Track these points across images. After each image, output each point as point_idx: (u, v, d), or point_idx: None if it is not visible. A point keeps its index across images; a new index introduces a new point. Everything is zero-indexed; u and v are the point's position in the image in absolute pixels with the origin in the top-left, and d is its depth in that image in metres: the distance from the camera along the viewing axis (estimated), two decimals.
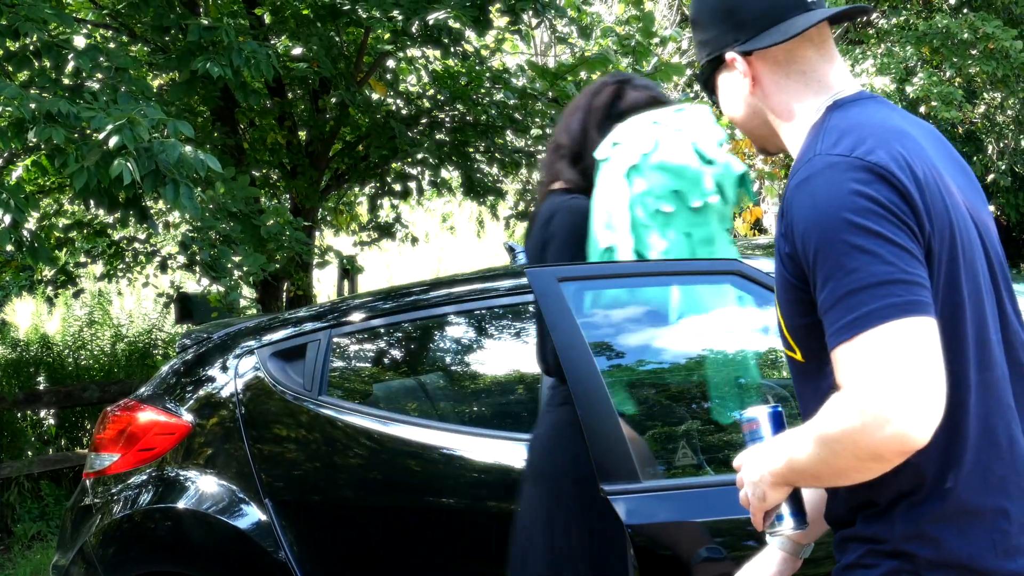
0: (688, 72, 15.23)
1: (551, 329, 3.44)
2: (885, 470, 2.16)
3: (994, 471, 2.27)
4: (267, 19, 9.59)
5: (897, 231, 2.14)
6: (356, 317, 4.84)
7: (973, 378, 2.26)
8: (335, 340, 4.78)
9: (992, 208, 18.53)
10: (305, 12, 9.27)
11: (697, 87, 16.95)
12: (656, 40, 11.42)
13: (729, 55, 2.44)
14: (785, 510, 2.43)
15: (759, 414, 2.46)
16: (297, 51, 9.61)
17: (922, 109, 16.18)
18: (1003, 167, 17.22)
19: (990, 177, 17.58)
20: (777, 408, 2.48)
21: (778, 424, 2.45)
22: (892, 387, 2.07)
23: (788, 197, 2.26)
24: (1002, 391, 2.30)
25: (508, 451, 4.07)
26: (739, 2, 2.43)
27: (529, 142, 11.00)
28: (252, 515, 4.51)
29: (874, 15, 17.49)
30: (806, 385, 2.37)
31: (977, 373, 2.26)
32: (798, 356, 2.35)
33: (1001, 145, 17.33)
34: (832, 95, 2.38)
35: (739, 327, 4.25)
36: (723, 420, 3.98)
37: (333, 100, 9.60)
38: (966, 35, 15.26)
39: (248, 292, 10.03)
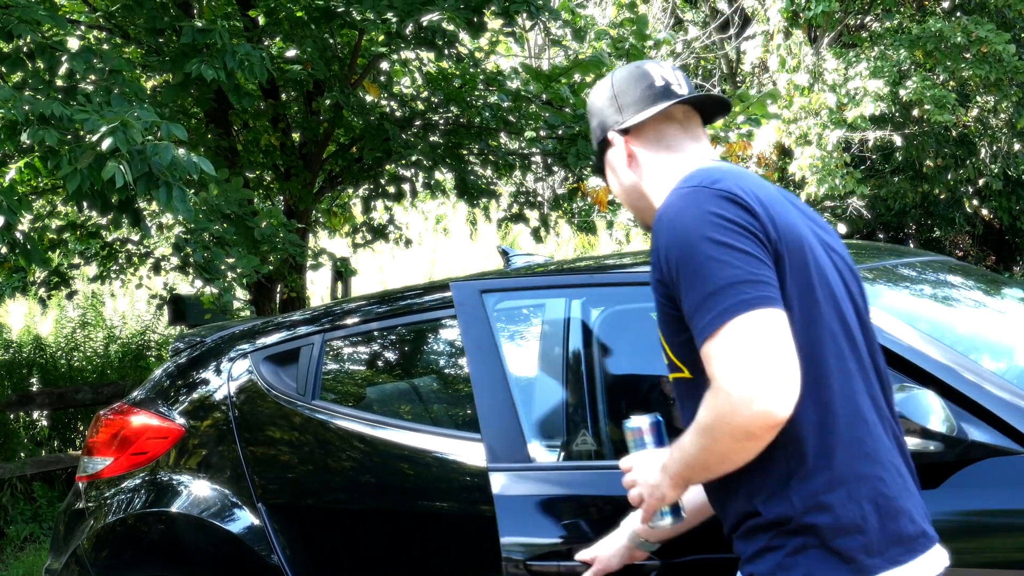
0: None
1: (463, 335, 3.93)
2: (761, 447, 2.50)
3: (866, 443, 2.62)
4: (261, 21, 9.58)
5: (743, 240, 2.53)
6: (349, 321, 4.84)
7: (833, 364, 2.62)
8: (328, 344, 4.78)
9: (985, 212, 18.55)
10: (299, 14, 9.26)
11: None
12: (650, 43, 11.42)
13: (611, 135, 2.94)
14: (666, 507, 2.83)
15: (642, 423, 2.87)
16: (291, 53, 9.61)
17: (915, 112, 16.21)
18: (996, 170, 17.25)
19: (982, 180, 17.61)
20: (658, 417, 2.87)
21: (658, 431, 2.87)
22: (750, 370, 2.42)
23: (654, 230, 2.65)
24: (861, 379, 2.67)
25: None
26: (620, 92, 2.96)
27: (523, 144, 10.99)
28: (245, 519, 4.51)
29: (868, 18, 17.50)
30: (695, 399, 2.60)
31: (837, 360, 2.63)
32: (686, 373, 2.70)
33: (994, 148, 17.36)
34: (685, 169, 2.79)
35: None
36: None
37: (327, 102, 9.58)
38: (959, 39, 15.28)
39: (241, 294, 10.04)
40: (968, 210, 18.70)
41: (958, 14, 16.64)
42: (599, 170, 3.03)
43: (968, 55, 15.66)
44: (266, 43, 9.55)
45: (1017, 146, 17.21)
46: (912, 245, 19.37)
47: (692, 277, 2.51)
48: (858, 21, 17.75)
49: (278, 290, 10.70)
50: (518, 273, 4.49)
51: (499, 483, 3.70)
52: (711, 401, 2.48)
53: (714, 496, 2.78)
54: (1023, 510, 3.10)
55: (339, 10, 8.88)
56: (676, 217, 2.57)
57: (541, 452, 3.90)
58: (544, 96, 10.44)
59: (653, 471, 2.76)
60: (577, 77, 10.61)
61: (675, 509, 2.81)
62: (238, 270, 8.10)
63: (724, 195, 2.57)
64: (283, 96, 10.65)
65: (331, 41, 9.74)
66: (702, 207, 2.55)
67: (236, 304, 9.53)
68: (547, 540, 3.63)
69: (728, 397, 2.43)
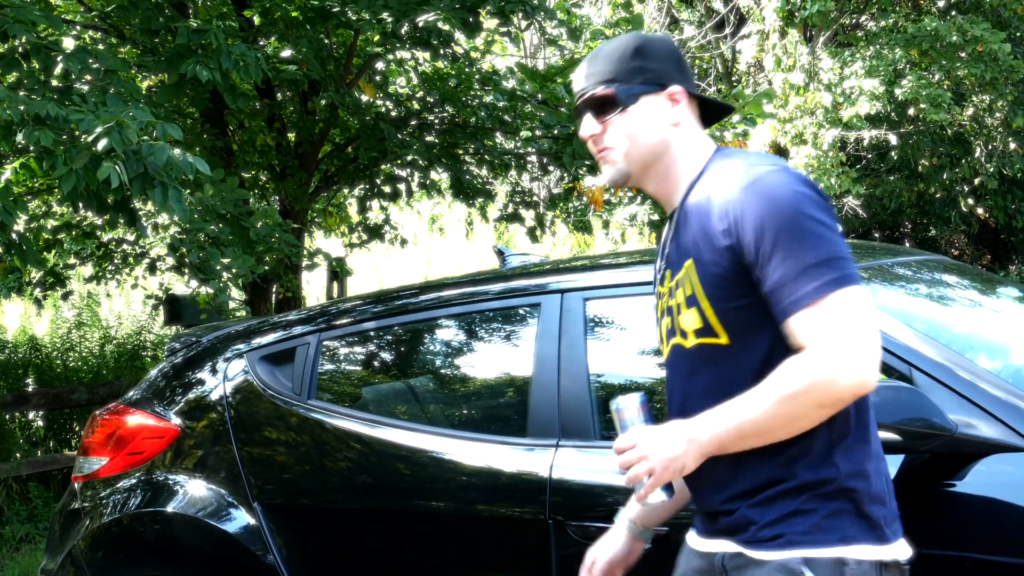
0: None
1: None
2: (828, 416, 2.62)
3: (875, 425, 2.81)
4: (256, 21, 9.58)
5: (834, 221, 2.64)
6: (345, 320, 4.84)
7: None
8: (324, 344, 4.78)
9: (980, 211, 18.57)
10: (294, 14, 9.25)
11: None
12: None
13: (677, 88, 2.90)
14: None
15: (632, 402, 2.85)
16: (286, 53, 9.60)
17: (911, 111, 16.22)
18: (991, 169, 17.26)
19: (978, 180, 17.62)
20: (644, 396, 2.86)
21: (648, 409, 2.86)
22: (855, 340, 2.53)
23: (735, 199, 2.67)
24: None
25: (498, 455, 4.07)
26: (681, 58, 2.97)
27: (518, 144, 10.99)
28: (241, 519, 4.51)
29: (863, 17, 17.51)
30: (723, 366, 2.74)
31: None
32: (721, 339, 2.73)
33: (989, 148, 17.38)
34: (713, 146, 2.92)
35: None
36: None
37: (322, 102, 9.57)
38: (955, 38, 15.29)
39: (237, 294, 10.02)
40: (964, 209, 18.71)
41: (953, 13, 16.65)
42: (614, 102, 2.92)
43: (963, 54, 15.67)
44: (261, 43, 9.53)
45: (1012, 145, 17.22)
46: (908, 244, 19.40)
47: (792, 247, 2.58)
48: (853, 20, 17.75)
49: (274, 290, 10.69)
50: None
51: None
52: (805, 367, 2.55)
53: (725, 464, 2.76)
54: None
55: (334, 10, 8.87)
56: (775, 190, 2.63)
57: None
58: (540, 96, 10.43)
59: (672, 444, 2.71)
60: (573, 76, 10.61)
61: (667, 485, 2.82)
62: (233, 270, 8.09)
63: (807, 180, 2.69)
64: (279, 96, 10.64)
65: (326, 41, 9.73)
66: (798, 186, 2.64)
67: (232, 304, 9.51)
68: None
69: (829, 364, 2.53)
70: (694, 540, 2.93)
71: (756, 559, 2.68)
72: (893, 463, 3.27)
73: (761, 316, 2.68)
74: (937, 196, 18.42)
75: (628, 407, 2.85)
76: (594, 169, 10.36)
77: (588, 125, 2.95)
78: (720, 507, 2.78)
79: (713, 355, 2.75)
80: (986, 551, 3.16)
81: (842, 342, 2.53)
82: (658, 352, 4.30)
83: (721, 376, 2.74)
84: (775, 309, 2.62)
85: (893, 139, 16.86)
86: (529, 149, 10.87)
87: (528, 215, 12.25)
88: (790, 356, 2.60)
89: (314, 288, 16.27)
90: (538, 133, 10.57)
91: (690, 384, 2.82)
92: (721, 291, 2.70)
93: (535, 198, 12.39)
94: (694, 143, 2.90)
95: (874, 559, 2.64)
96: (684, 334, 2.80)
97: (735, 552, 2.73)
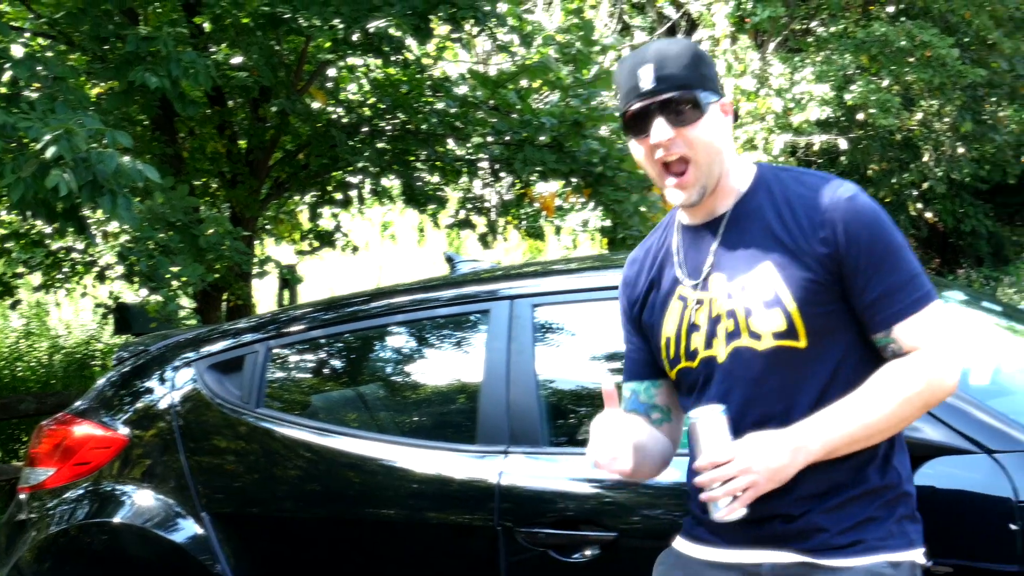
0: None
1: None
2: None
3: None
4: (207, 28, 9.54)
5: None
6: (295, 328, 4.82)
7: None
8: (273, 351, 4.76)
9: (929, 215, 18.72)
10: (245, 21, 9.22)
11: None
12: (597, 48, 11.45)
13: (730, 99, 2.91)
14: None
15: (713, 415, 2.72)
16: (237, 60, 9.57)
17: (860, 116, 16.32)
18: (940, 173, 17.40)
19: (926, 184, 17.75)
20: (726, 407, 2.74)
21: (729, 421, 2.73)
22: (956, 344, 2.76)
23: (836, 212, 2.76)
24: None
25: (447, 462, 4.07)
26: None
27: (470, 150, 10.99)
28: (189, 529, 4.48)
29: (813, 23, 17.62)
30: (796, 370, 2.75)
31: None
32: (801, 344, 2.73)
33: (938, 152, 17.51)
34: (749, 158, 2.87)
35: None
36: None
37: (273, 109, 9.55)
38: (904, 43, 15.40)
39: (187, 302, 9.97)
40: (912, 213, 18.85)
41: (902, 19, 16.77)
42: (686, 111, 2.80)
43: (912, 59, 15.79)
44: (212, 50, 9.50)
45: (960, 149, 17.37)
46: None
47: (897, 259, 2.75)
48: (804, 26, 17.85)
49: (224, 298, 10.64)
50: None
51: None
52: (921, 368, 2.70)
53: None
54: None
55: (285, 16, 8.85)
56: (872, 207, 2.79)
57: None
58: (491, 102, 10.44)
59: (776, 454, 2.67)
60: (524, 83, 10.62)
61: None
62: (183, 278, 8.05)
63: None
64: (229, 103, 10.59)
65: (277, 48, 9.70)
66: (879, 207, 2.83)
67: (181, 312, 9.46)
68: None
69: (941, 365, 2.71)
70: (709, 551, 2.87)
71: (831, 567, 2.68)
72: None
73: (840, 323, 2.76)
74: (886, 200, 18.54)
75: (711, 420, 2.72)
76: (545, 175, 10.38)
77: (661, 131, 2.78)
78: (782, 511, 2.74)
79: (788, 358, 2.76)
80: (932, 555, 3.18)
81: (948, 346, 2.73)
82: (610, 357, 4.31)
83: (793, 379, 2.76)
84: (879, 315, 2.74)
85: (843, 144, 16.96)
86: (481, 155, 10.87)
87: (480, 221, 12.25)
88: (859, 365, 2.75)
89: (265, 296, 16.21)
90: (490, 139, 10.57)
91: (758, 387, 2.78)
92: (812, 296, 2.74)
93: (487, 204, 12.38)
94: (735, 153, 2.94)
95: (924, 563, 2.80)
96: (756, 336, 2.76)
97: (795, 562, 2.72)
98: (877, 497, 2.74)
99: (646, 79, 2.78)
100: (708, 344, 2.83)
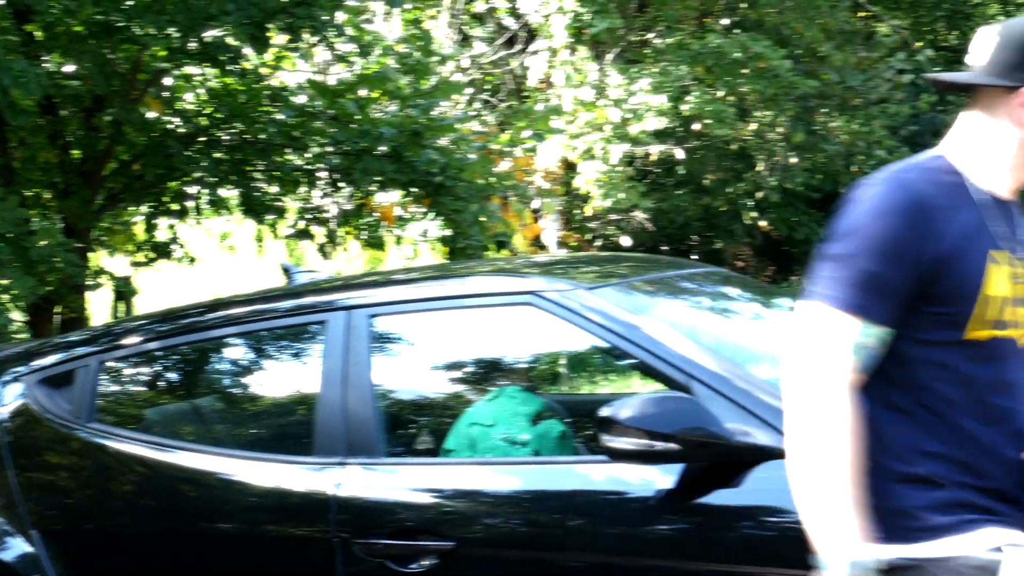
0: (469, 91, 15.34)
1: None
2: None
3: None
4: (38, 35, 9.34)
5: None
6: (129, 340, 4.74)
7: None
8: (106, 365, 4.68)
9: (763, 223, 19.09)
10: (78, 29, 9.05)
11: (478, 105, 17.05)
12: (436, 59, 11.48)
13: None
14: None
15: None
16: (70, 68, 9.39)
17: (696, 126, 16.59)
18: (774, 183, 17.75)
19: (760, 193, 18.10)
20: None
21: None
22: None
23: None
24: None
25: (284, 474, 4.04)
26: None
27: (309, 160, 10.93)
28: (18, 547, 4.38)
29: (650, 35, 17.85)
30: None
31: None
32: None
33: (771, 162, 17.87)
34: None
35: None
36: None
37: (107, 118, 9.40)
38: (738, 55, 15.69)
39: (18, 316, 9.76)
40: (748, 222, 19.20)
41: (737, 31, 17.08)
42: (981, 92, 2.77)
43: (746, 71, 16.08)
44: (44, 58, 9.31)
45: (793, 159, 17.74)
46: (695, 257, 19.81)
47: None
48: (641, 37, 18.07)
49: (57, 311, 10.43)
50: None
51: None
52: None
53: None
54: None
55: (119, 25, 8.71)
56: None
57: None
58: (330, 112, 10.40)
59: None
60: (363, 92, 10.60)
61: None
62: (13, 292, 7.88)
63: None
64: (62, 112, 10.39)
65: (111, 56, 9.55)
66: None
67: (12, 326, 9.26)
68: None
69: None
70: None
71: None
72: (671, 472, 3.36)
73: None
74: (722, 209, 18.86)
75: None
76: (384, 185, 10.37)
77: None
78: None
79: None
80: (760, 562, 3.26)
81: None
82: (450, 367, 4.33)
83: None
84: None
85: (680, 154, 17.21)
86: (320, 165, 10.82)
87: (319, 232, 12.19)
88: None
89: (100, 308, 15.92)
90: (329, 149, 10.53)
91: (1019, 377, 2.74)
92: None
93: (326, 214, 12.33)
94: None
95: None
96: None
97: None
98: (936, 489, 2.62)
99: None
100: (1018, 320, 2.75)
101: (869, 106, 17.78)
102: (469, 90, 15.32)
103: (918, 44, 19.14)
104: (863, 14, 19.40)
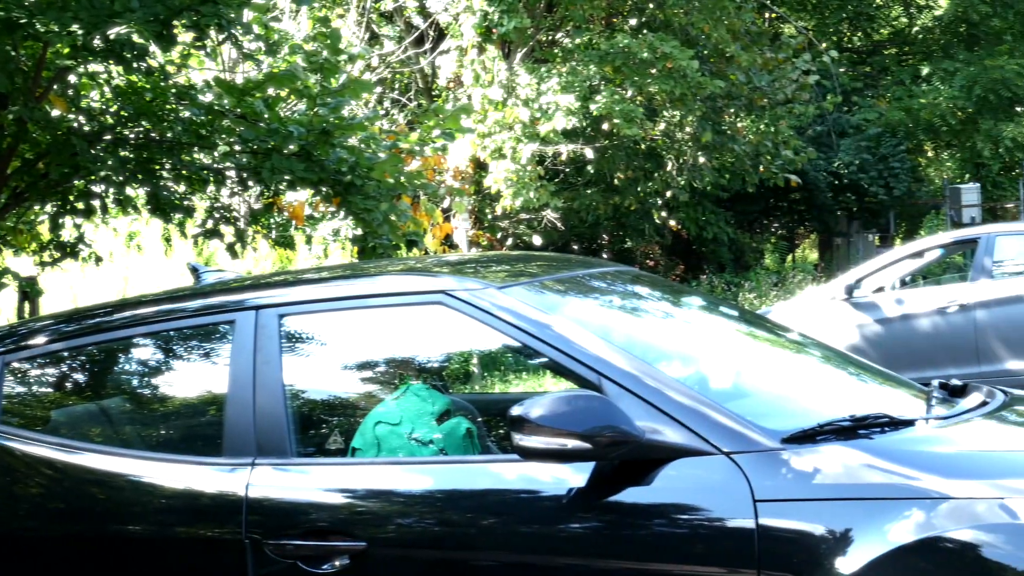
0: (378, 90, 15.29)
1: None
2: None
3: None
4: None
5: None
6: (34, 341, 4.68)
7: None
8: (12, 366, 4.61)
9: (673, 223, 19.23)
10: None
11: (388, 103, 17.02)
12: (344, 57, 11.43)
13: None
14: None
15: None
16: None
17: (605, 126, 16.68)
18: (682, 182, 17.90)
19: (670, 192, 18.24)
20: None
21: None
22: None
23: None
24: None
25: (194, 475, 4.01)
26: None
27: (217, 159, 10.84)
28: None
29: (559, 35, 17.92)
30: None
31: None
32: None
33: (680, 161, 18.02)
34: None
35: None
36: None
37: (10, 116, 9.26)
38: (646, 55, 15.80)
39: None
40: (657, 221, 19.36)
41: (645, 31, 17.19)
42: None
43: (654, 71, 16.20)
44: None
45: (702, 159, 17.90)
46: (605, 256, 19.93)
47: None
48: (550, 37, 18.14)
49: None
50: None
51: None
52: None
53: None
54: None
55: (21, 21, 8.59)
56: None
57: None
58: (238, 110, 10.32)
59: None
60: (271, 91, 10.53)
61: None
62: None
63: None
64: None
65: (14, 53, 9.41)
66: None
67: None
68: None
69: None
70: None
71: None
72: (583, 471, 3.38)
73: None
74: (632, 209, 18.98)
75: None
76: (294, 184, 10.32)
77: None
78: None
79: None
80: (671, 559, 3.29)
81: None
82: (360, 367, 4.32)
83: None
84: None
85: (589, 153, 17.31)
86: (228, 164, 10.73)
87: (228, 231, 12.08)
88: None
89: (5, 309, 15.71)
90: (236, 148, 10.44)
91: None
92: None
93: (235, 214, 12.23)
94: None
95: None
96: None
97: None
98: None
99: None
100: None
101: (776, 106, 17.99)
102: (379, 89, 15.26)
103: (823, 45, 19.38)
104: (769, 15, 19.61)
